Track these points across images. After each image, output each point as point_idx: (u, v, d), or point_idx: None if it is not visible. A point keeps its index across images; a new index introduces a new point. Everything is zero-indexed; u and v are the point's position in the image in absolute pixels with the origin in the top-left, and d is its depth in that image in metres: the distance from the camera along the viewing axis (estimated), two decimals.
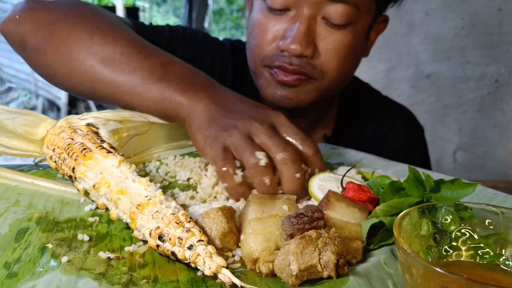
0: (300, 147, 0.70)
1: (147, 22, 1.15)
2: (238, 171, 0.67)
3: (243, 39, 1.24)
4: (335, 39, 0.94)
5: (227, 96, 0.77)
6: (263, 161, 0.65)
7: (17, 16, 0.84)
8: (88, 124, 0.72)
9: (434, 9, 2.31)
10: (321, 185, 0.69)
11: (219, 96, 0.76)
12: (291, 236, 0.50)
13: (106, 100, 0.81)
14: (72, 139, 0.67)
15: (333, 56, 0.95)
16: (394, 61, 2.44)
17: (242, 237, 0.54)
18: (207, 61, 1.15)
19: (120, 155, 0.64)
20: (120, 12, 6.37)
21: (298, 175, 0.66)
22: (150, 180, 0.61)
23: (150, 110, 0.78)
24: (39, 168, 0.77)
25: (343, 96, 1.19)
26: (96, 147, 0.64)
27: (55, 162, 0.69)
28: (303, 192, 0.67)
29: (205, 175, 0.74)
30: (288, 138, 0.71)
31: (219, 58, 1.17)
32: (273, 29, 0.95)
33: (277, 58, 0.95)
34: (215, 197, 0.71)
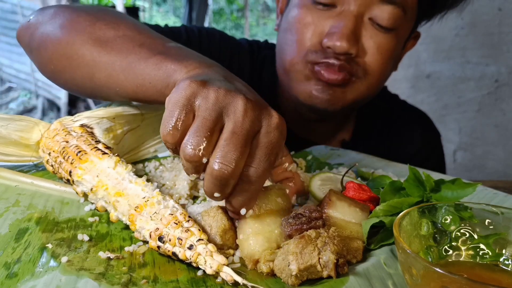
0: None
1: (147, 22, 1.15)
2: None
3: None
4: (380, 41, 0.92)
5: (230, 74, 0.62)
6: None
7: (27, 21, 0.82)
8: (82, 125, 0.72)
9: None
10: (321, 185, 0.69)
11: (220, 71, 0.62)
12: (290, 236, 0.50)
13: (103, 88, 0.73)
14: (67, 142, 0.67)
15: (377, 57, 0.93)
16: None
17: (241, 236, 0.54)
18: (225, 61, 1.01)
19: (116, 155, 0.64)
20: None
21: (216, 194, 0.52)
22: (148, 180, 0.61)
23: (145, 85, 0.66)
24: (39, 169, 0.77)
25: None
26: (91, 149, 0.64)
27: (51, 166, 0.69)
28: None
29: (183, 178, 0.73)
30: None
31: (236, 58, 1.14)
32: (317, 24, 0.92)
33: (321, 54, 0.92)
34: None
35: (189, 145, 0.50)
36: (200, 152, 0.50)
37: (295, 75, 0.97)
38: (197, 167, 0.51)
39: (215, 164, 0.49)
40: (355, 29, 0.90)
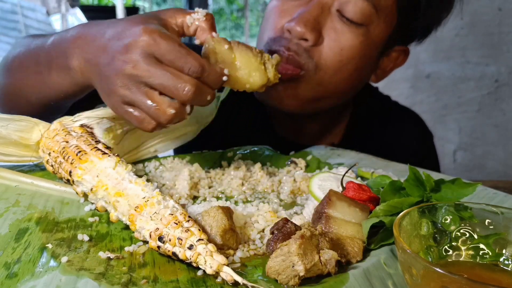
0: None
1: None
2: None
3: (243, 39, 1.24)
4: (343, 35, 0.89)
5: (96, 39, 0.67)
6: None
7: None
8: (82, 125, 0.72)
9: None
10: (321, 184, 0.69)
11: (90, 45, 0.68)
12: (272, 252, 0.51)
13: (49, 106, 0.80)
14: (67, 142, 0.67)
15: (336, 52, 0.89)
16: None
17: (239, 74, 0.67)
18: None
19: (116, 155, 0.64)
20: (120, 12, 6.36)
21: (209, 98, 0.64)
22: (148, 180, 0.61)
23: (62, 91, 0.75)
24: (38, 168, 0.77)
25: (355, 105, 1.15)
26: (91, 149, 0.64)
27: (51, 166, 0.69)
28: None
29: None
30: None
31: None
32: (286, 12, 0.92)
33: (278, 41, 0.90)
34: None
35: (159, 121, 0.62)
36: (168, 111, 0.61)
37: None
38: (179, 113, 0.62)
39: (176, 102, 0.61)
40: (318, 17, 0.88)
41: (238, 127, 1.12)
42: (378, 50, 0.97)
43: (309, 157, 0.93)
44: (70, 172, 0.63)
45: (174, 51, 0.60)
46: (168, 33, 0.62)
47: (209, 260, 0.48)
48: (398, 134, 1.18)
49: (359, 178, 0.77)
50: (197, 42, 0.70)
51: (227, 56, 0.67)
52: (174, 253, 0.50)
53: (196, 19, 0.69)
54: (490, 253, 0.48)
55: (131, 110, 0.63)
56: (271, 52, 0.91)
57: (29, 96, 0.78)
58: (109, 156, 0.63)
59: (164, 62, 0.60)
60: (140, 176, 0.62)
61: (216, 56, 0.66)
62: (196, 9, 0.70)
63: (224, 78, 0.64)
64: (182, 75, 0.60)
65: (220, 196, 0.74)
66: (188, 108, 0.63)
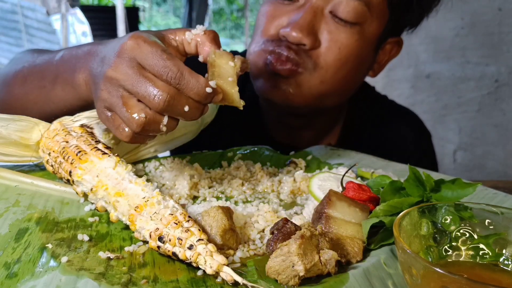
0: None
1: (147, 22, 1.15)
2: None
3: (243, 39, 1.24)
4: (339, 35, 0.90)
5: (101, 51, 0.68)
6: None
7: None
8: (82, 125, 0.72)
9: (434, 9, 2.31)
10: (321, 185, 0.69)
11: (95, 58, 0.69)
12: (272, 252, 0.51)
13: (50, 117, 0.79)
14: (67, 142, 0.67)
15: (334, 51, 0.91)
16: (394, 61, 2.43)
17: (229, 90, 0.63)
18: None
19: (115, 155, 0.64)
20: (120, 12, 6.36)
21: (186, 108, 0.60)
22: (148, 180, 0.61)
23: (66, 106, 0.77)
24: (38, 168, 0.77)
25: (350, 105, 1.15)
26: (91, 149, 0.64)
27: (51, 166, 0.69)
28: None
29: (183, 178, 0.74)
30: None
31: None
32: (279, 17, 0.93)
33: (276, 43, 0.92)
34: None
35: (131, 127, 0.59)
36: (138, 117, 0.58)
37: (253, 69, 0.97)
38: (151, 121, 0.59)
39: (151, 109, 0.58)
40: (313, 21, 0.89)
41: (236, 130, 1.12)
42: (374, 46, 0.98)
43: (309, 157, 0.93)
44: (70, 172, 0.63)
45: (155, 56, 0.58)
46: (156, 40, 0.60)
47: (209, 260, 0.48)
48: (394, 134, 1.17)
49: (359, 178, 0.77)
50: (200, 59, 0.67)
51: (227, 71, 0.63)
52: (174, 253, 0.50)
53: (195, 35, 0.66)
54: (490, 253, 0.48)
55: (110, 116, 0.61)
56: (270, 52, 0.92)
57: (31, 112, 0.78)
58: (109, 156, 0.63)
59: (145, 67, 0.58)
60: (140, 176, 0.62)
61: (213, 69, 0.63)
62: (197, 26, 0.68)
63: (208, 90, 0.58)
64: (157, 81, 0.57)
65: (220, 196, 0.74)
66: (165, 120, 0.59)
